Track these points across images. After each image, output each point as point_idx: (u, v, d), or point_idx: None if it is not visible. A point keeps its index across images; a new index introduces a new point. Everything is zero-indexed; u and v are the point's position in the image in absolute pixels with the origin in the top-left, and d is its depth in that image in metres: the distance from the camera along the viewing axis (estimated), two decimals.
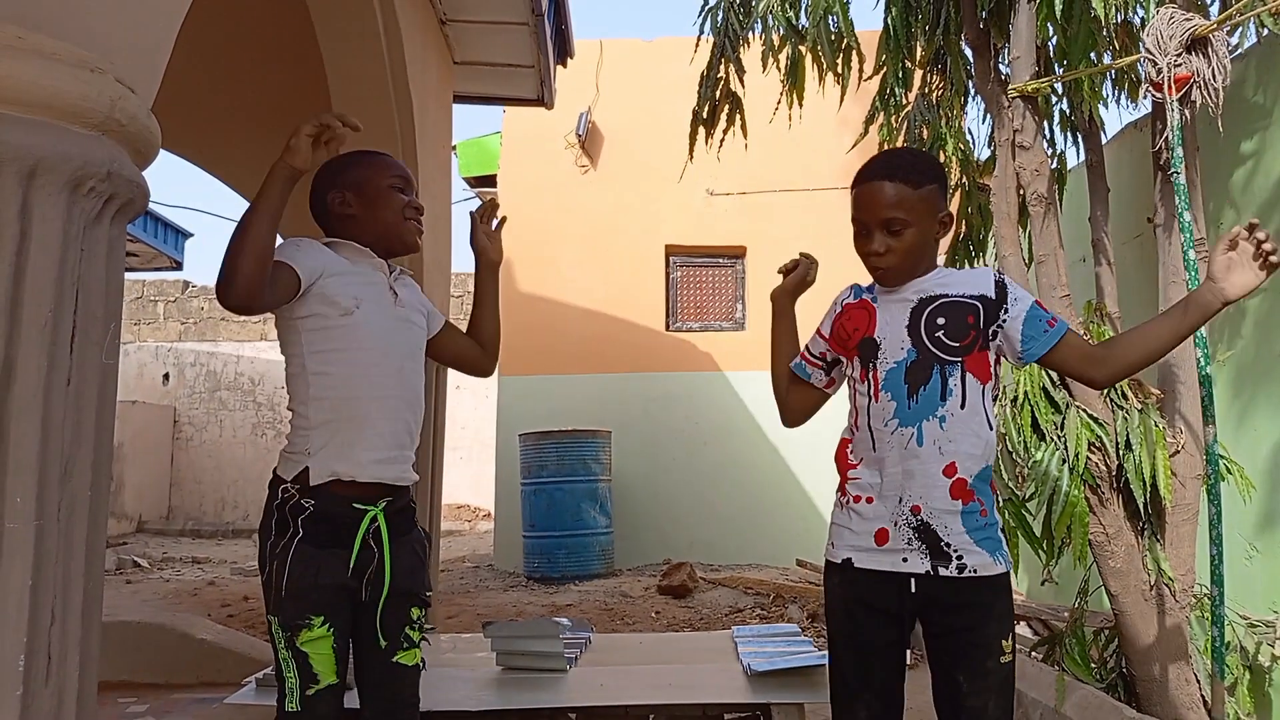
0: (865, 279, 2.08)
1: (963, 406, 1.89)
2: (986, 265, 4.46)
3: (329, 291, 1.98)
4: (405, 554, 2.06)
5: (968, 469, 1.89)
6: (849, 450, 2.04)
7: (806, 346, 2.17)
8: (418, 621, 2.10)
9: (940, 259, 2.05)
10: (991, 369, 1.95)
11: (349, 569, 1.95)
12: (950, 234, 4.58)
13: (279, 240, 1.94)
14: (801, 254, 2.23)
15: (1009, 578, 1.97)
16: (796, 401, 2.20)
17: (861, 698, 1.97)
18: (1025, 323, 1.92)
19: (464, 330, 2.40)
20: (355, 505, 1.97)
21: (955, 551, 1.88)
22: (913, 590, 1.90)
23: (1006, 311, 1.93)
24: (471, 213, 2.40)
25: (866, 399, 1.96)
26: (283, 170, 1.86)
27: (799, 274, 2.21)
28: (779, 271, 2.25)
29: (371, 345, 2.01)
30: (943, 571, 1.88)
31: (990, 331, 1.93)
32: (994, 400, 1.98)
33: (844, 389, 2.15)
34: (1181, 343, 1.98)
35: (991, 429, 1.93)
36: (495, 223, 2.41)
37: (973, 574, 1.88)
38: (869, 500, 1.95)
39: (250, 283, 1.79)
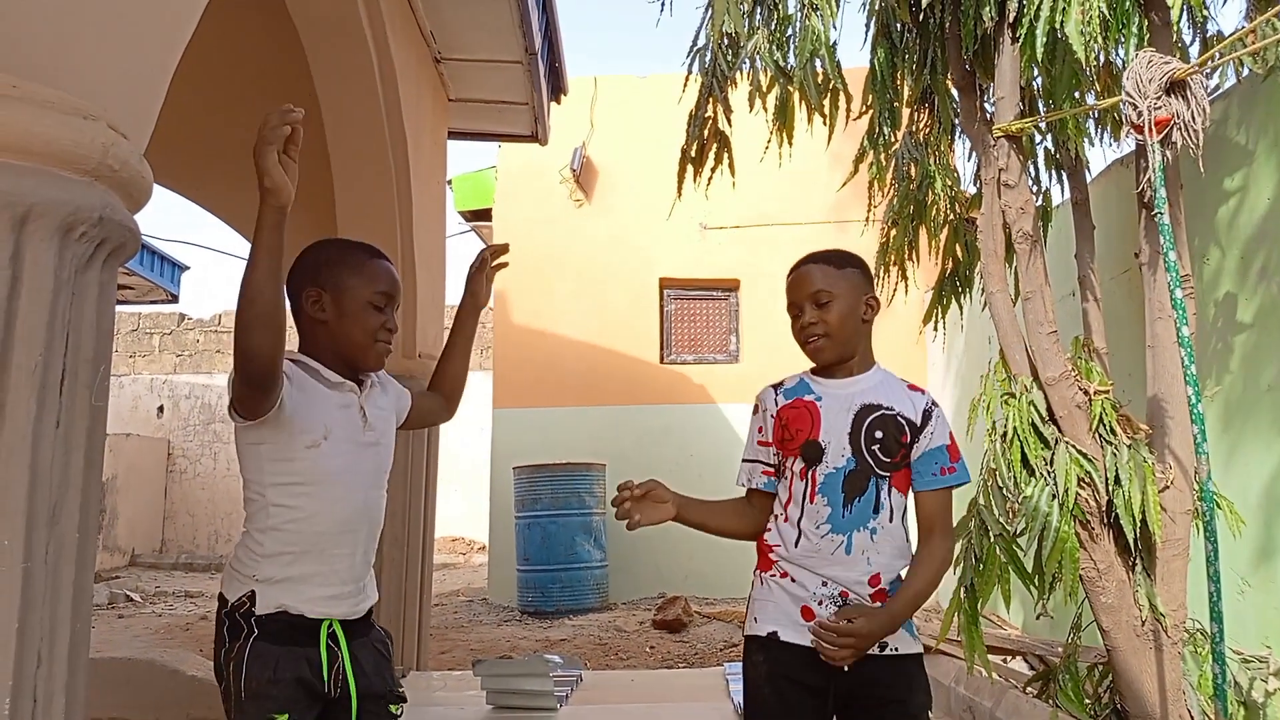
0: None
1: (890, 520, 2.00)
2: (975, 300, 4.49)
3: (299, 418, 1.88)
4: (369, 655, 2.00)
5: (887, 578, 2.00)
6: (768, 533, 2.09)
7: (758, 456, 2.14)
8: (398, 718, 2.04)
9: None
10: (909, 486, 2.06)
11: (310, 667, 1.89)
12: (939, 271, 4.62)
13: None
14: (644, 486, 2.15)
15: (923, 657, 2.08)
16: (755, 522, 2.14)
17: None
18: (925, 456, 2.03)
19: (435, 375, 2.36)
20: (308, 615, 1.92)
21: None
22: (844, 669, 1.95)
23: (918, 441, 2.03)
24: (485, 249, 2.36)
25: (801, 499, 2.01)
26: (270, 216, 1.67)
27: (666, 514, 2.15)
28: (621, 503, 2.14)
29: (337, 479, 1.93)
30: (870, 650, 1.95)
31: (910, 448, 2.04)
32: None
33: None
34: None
35: (909, 542, 2.05)
36: (495, 270, 2.38)
37: (894, 651, 1.98)
38: (792, 579, 2.01)
39: (272, 356, 1.71)
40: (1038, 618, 3.69)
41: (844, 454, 1.99)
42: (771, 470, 2.12)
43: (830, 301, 2.03)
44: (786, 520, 2.04)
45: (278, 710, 1.84)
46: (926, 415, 2.05)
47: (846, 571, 1.97)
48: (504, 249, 2.39)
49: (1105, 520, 3.32)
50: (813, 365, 2.14)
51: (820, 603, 1.97)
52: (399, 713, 2.04)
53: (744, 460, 2.18)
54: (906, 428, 2.02)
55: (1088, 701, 3.65)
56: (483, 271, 2.34)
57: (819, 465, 2.00)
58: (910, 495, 2.05)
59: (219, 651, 1.91)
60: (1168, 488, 3.31)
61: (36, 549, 1.32)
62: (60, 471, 1.37)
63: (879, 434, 2.00)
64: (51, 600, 1.35)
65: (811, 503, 1.99)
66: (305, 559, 1.90)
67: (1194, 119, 2.59)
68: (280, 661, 1.85)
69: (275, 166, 1.65)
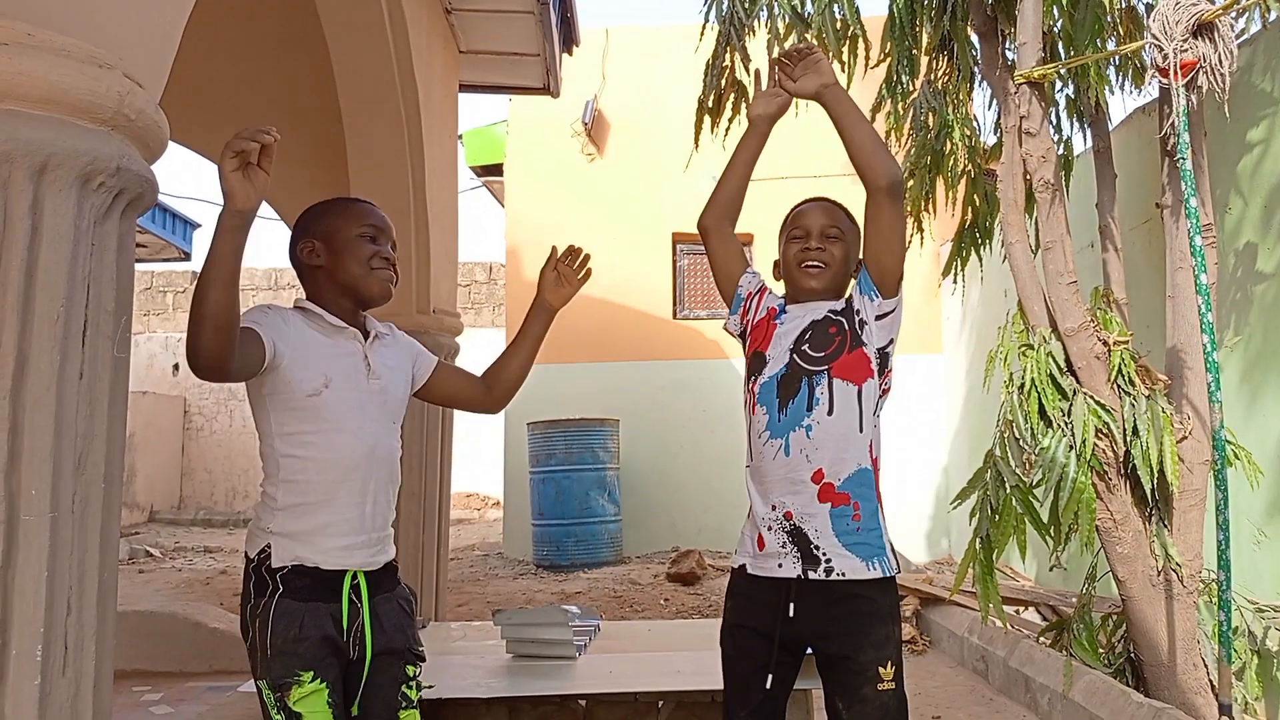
0: None
1: (830, 413, 1.98)
2: (994, 251, 4.47)
3: (296, 371, 1.90)
4: (391, 611, 2.00)
5: (836, 472, 1.97)
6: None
7: (760, 291, 2.21)
8: (414, 679, 2.03)
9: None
10: (871, 367, 2.02)
11: (335, 624, 1.90)
12: (957, 222, 4.58)
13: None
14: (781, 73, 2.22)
15: (887, 592, 2.00)
16: (721, 246, 2.24)
17: (739, 715, 2.05)
18: (861, 281, 2.06)
19: (489, 367, 2.29)
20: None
21: (824, 555, 1.95)
22: (791, 615, 1.96)
23: (853, 295, 2.07)
24: (554, 247, 2.28)
25: (749, 412, 2.09)
26: (226, 219, 1.67)
27: (785, 102, 2.22)
28: (768, 90, 2.21)
29: (341, 426, 1.94)
30: (812, 575, 1.95)
31: (858, 324, 2.03)
32: (878, 398, 2.04)
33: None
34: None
35: (864, 430, 2.00)
36: (580, 271, 2.26)
37: (840, 577, 1.94)
38: (751, 507, 2.08)
39: (215, 354, 1.68)
40: (1051, 569, 3.71)
41: (780, 362, 2.05)
42: (741, 305, 2.20)
43: (839, 239, 2.10)
44: (747, 437, 2.12)
45: (303, 668, 1.85)
46: (847, 297, 2.10)
47: (790, 473, 1.98)
48: (577, 251, 2.28)
49: (1122, 471, 3.32)
50: (785, 294, 2.19)
51: (770, 528, 2.00)
52: (415, 673, 2.04)
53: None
54: (834, 316, 2.06)
55: (1101, 650, 3.68)
56: (550, 267, 2.26)
57: (759, 376, 2.08)
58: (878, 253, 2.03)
59: (244, 606, 1.92)
60: (1185, 438, 3.30)
61: (63, 498, 1.33)
62: (85, 422, 1.37)
63: (808, 335, 2.05)
64: (79, 549, 1.37)
65: (754, 414, 2.07)
66: (317, 509, 1.91)
67: (1220, 62, 2.54)
68: (306, 619, 1.86)
69: (232, 174, 1.65)
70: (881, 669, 1.93)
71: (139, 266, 13.24)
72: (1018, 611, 5.02)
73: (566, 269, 2.26)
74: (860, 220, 2.10)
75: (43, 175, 1.31)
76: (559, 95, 6.21)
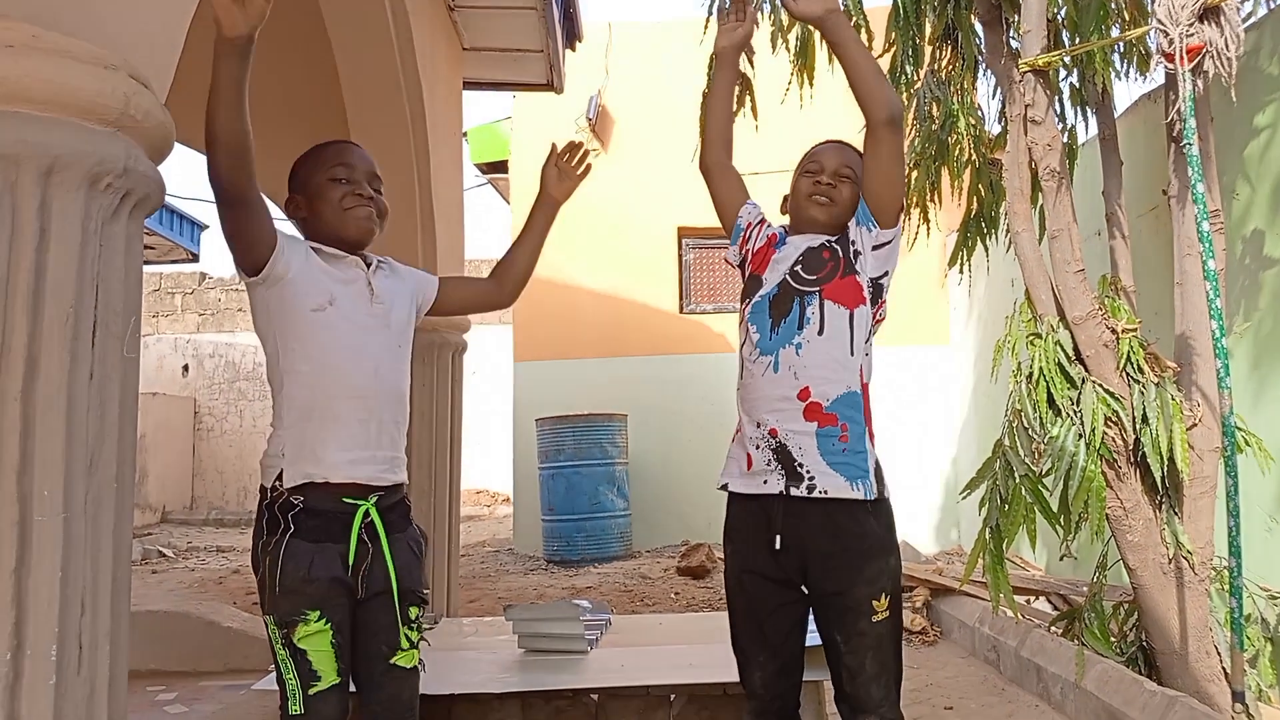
0: None
1: (821, 333, 2.02)
2: (1000, 241, 4.46)
3: (301, 285, 1.94)
4: (402, 551, 2.02)
5: (823, 392, 2.00)
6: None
7: (760, 221, 2.28)
8: (416, 621, 2.06)
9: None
10: (863, 295, 2.06)
11: (343, 564, 1.92)
12: (962, 213, 4.57)
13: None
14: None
15: (878, 520, 2.02)
16: (723, 182, 2.33)
17: (756, 659, 2.07)
18: (859, 212, 2.08)
19: (497, 263, 2.40)
20: (345, 500, 1.94)
21: (808, 473, 1.97)
22: (778, 547, 1.98)
23: (849, 226, 2.10)
24: (554, 144, 2.40)
25: (741, 333, 2.14)
26: (218, 46, 1.67)
27: (746, 31, 2.35)
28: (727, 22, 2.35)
29: (345, 344, 1.97)
30: (794, 491, 1.97)
31: (852, 253, 2.07)
32: (870, 326, 2.09)
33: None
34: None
35: (855, 354, 2.04)
36: (580, 167, 2.40)
37: (823, 494, 1.96)
38: (740, 429, 2.11)
39: (230, 176, 1.77)
40: (1061, 559, 3.70)
41: (773, 283, 2.11)
42: (743, 236, 2.25)
43: (850, 180, 2.13)
44: (739, 358, 2.16)
45: (310, 607, 1.88)
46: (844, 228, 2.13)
47: (777, 390, 2.01)
48: (580, 148, 2.42)
49: (1132, 459, 3.31)
50: (787, 226, 2.24)
51: (757, 447, 2.03)
52: (416, 615, 2.06)
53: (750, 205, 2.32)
54: (829, 244, 2.10)
55: (1113, 639, 3.67)
56: (551, 164, 2.38)
57: (752, 298, 2.13)
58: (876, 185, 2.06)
59: (256, 543, 1.95)
60: (1195, 425, 3.29)
61: (75, 499, 1.34)
62: (96, 422, 1.38)
63: (802, 259, 2.10)
64: (92, 549, 1.37)
65: (746, 333, 2.11)
66: (322, 423, 1.94)
67: (1227, 46, 2.53)
68: (315, 560, 1.89)
69: (222, 5, 1.64)
70: (876, 602, 1.97)
71: (147, 268, 13.28)
72: (1028, 601, 5.01)
73: (567, 165, 2.39)
74: None
75: (50, 177, 1.32)
76: (563, 91, 6.20)
